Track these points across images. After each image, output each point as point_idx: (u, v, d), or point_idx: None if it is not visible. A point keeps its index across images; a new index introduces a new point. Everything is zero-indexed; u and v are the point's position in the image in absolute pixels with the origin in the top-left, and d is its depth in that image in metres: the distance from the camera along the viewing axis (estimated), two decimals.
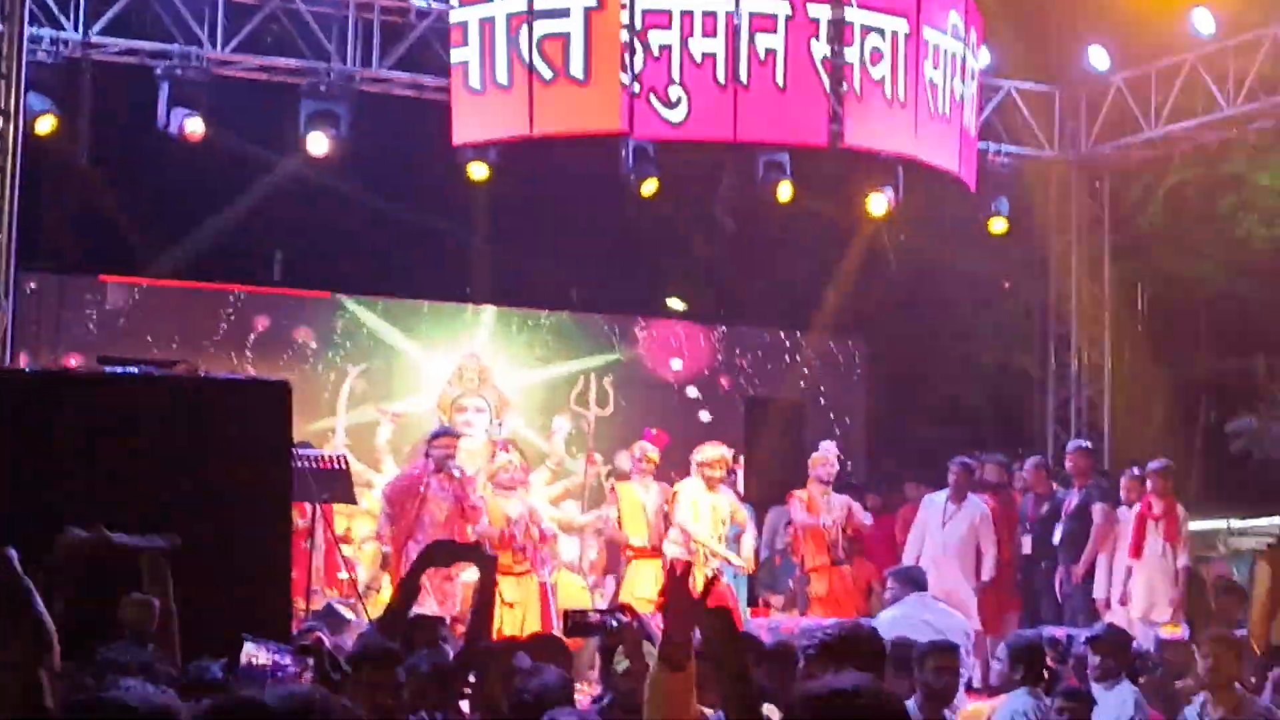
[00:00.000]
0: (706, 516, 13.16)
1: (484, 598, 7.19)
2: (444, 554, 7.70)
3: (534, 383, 16.72)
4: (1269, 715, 8.10)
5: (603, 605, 13.55)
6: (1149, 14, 15.66)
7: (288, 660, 5.20)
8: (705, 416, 17.10)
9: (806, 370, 17.85)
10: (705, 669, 4.38)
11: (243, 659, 5.17)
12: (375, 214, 16.22)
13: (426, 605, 12.23)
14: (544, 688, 5.41)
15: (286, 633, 6.95)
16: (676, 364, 17.34)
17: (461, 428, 15.23)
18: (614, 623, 5.66)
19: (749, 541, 13.57)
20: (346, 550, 14.34)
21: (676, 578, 4.47)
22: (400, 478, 13.30)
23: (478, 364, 16.09)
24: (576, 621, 5.94)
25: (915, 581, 10.92)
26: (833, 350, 18.04)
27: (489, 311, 16.77)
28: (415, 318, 16.50)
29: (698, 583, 12.38)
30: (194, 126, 13.37)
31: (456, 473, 12.83)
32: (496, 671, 5.93)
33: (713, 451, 13.45)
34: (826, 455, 13.87)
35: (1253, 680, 10.58)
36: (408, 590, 7.11)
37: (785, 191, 14.64)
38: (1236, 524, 19.11)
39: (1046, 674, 8.87)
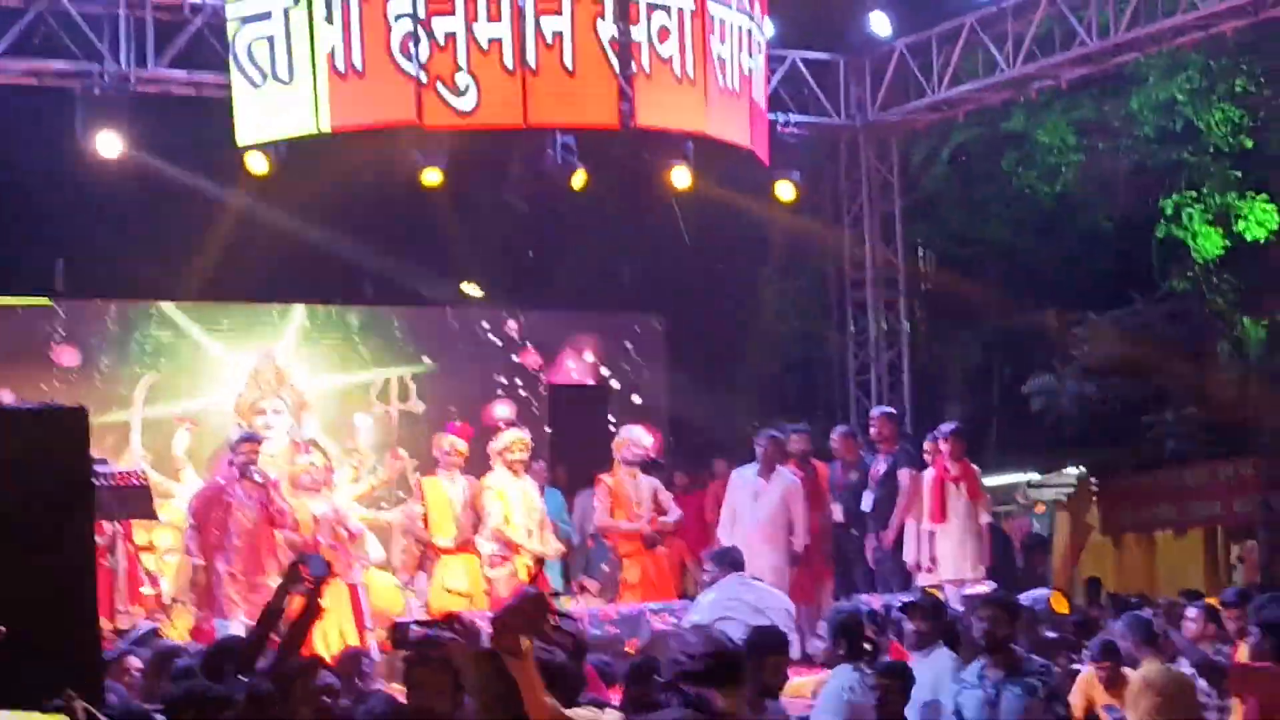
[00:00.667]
0: (518, 504, 13.04)
1: (308, 613, 6.97)
2: (301, 570, 7.39)
3: (334, 383, 16.44)
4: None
5: (416, 603, 13.39)
6: None
7: None
8: (507, 406, 16.92)
9: (607, 351, 17.79)
10: None
11: None
12: (159, 216, 15.77)
13: (236, 617, 12.03)
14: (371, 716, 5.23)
15: (97, 667, 6.70)
16: (477, 351, 17.18)
17: (261, 431, 14.91)
18: (442, 636, 5.50)
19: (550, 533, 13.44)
20: (149, 562, 13.99)
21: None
22: (204, 488, 13.04)
23: (273, 365, 15.79)
24: (402, 635, 5.78)
25: (733, 562, 10.92)
26: (633, 329, 17.99)
27: (291, 309, 16.41)
28: (211, 319, 16.11)
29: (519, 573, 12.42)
30: None
31: (259, 478, 12.59)
32: (302, 693, 5.71)
33: (509, 436, 13.35)
34: (629, 437, 13.79)
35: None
36: (269, 615, 6.86)
37: (579, 179, 14.50)
38: (1035, 477, 19.53)
39: (868, 646, 8.93)
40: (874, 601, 11.74)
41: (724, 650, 4.91)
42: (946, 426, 13.60)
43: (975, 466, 13.65)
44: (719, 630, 6.22)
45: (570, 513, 15.48)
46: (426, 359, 16.86)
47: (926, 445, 13.67)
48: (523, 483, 13.15)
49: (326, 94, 12.28)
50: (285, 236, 16.16)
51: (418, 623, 5.97)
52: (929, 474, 13.45)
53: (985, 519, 13.56)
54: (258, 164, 13.50)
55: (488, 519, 12.94)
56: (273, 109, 12.53)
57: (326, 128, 12.37)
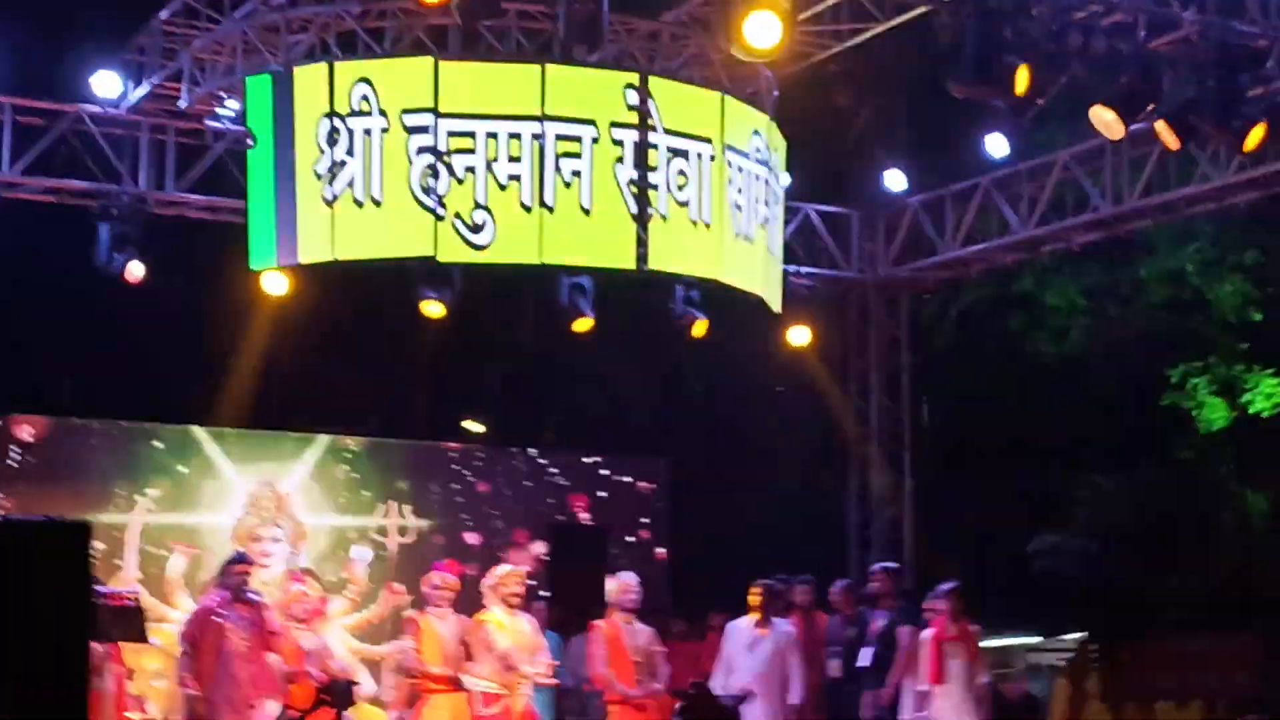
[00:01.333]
0: (514, 639, 12.85)
1: None
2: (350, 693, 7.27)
3: (334, 513, 16.35)
4: None
5: None
6: (944, 138, 15.97)
7: None
8: (510, 542, 16.82)
9: (608, 495, 17.71)
10: None
11: None
12: (163, 338, 15.80)
13: None
14: None
15: None
16: (478, 489, 17.11)
17: (258, 558, 14.82)
18: None
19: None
20: (135, 686, 13.83)
21: None
22: (195, 612, 12.79)
23: (273, 492, 15.71)
24: None
25: (721, 714, 10.76)
26: (636, 474, 17.93)
27: (313, 439, 16.34)
28: (201, 446, 16.02)
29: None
30: None
31: (253, 598, 12.40)
32: None
33: (504, 569, 13.21)
34: (627, 583, 13.66)
35: None
36: None
37: (584, 323, 14.55)
38: (1035, 640, 19.35)
39: None
40: None
41: None
42: (945, 586, 13.48)
43: (974, 627, 13.51)
44: None
45: (564, 656, 15.29)
46: (426, 493, 16.78)
47: (928, 604, 13.55)
48: (518, 620, 12.98)
49: (343, 223, 12.30)
50: (295, 363, 16.16)
51: None
52: (927, 633, 13.32)
53: (984, 679, 13.41)
54: (276, 285, 13.51)
55: (494, 646, 12.72)
56: (286, 234, 12.54)
57: (342, 256, 12.37)
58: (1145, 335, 18.07)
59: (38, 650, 6.27)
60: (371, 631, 15.28)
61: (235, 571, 12.52)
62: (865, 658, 13.73)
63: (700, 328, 14.74)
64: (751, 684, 13.34)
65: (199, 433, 16.04)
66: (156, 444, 15.80)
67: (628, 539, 17.63)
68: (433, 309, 14.04)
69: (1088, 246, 16.25)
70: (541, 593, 14.75)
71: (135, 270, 13.54)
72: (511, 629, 12.84)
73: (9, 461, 15.28)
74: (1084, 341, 18.30)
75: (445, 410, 18.08)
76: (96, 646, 11.80)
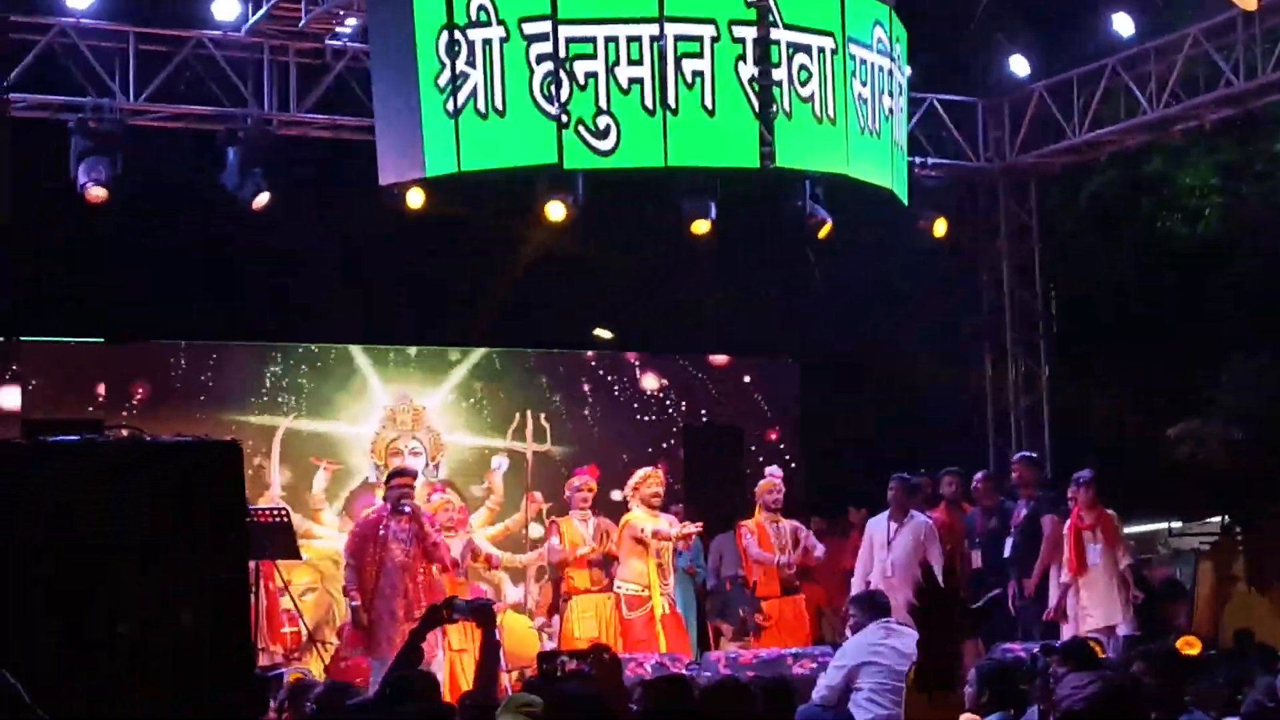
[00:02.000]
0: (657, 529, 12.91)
1: (488, 654, 6.94)
2: (443, 612, 7.38)
3: (471, 424, 16.51)
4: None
5: (550, 645, 13.34)
6: (1068, 20, 15.68)
7: None
8: (645, 448, 16.90)
9: (741, 396, 17.72)
10: None
11: None
12: (300, 258, 15.92)
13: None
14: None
15: (254, 700, 6.70)
16: (612, 394, 17.20)
17: None
18: (588, 669, 5.41)
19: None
20: (286, 601, 14.08)
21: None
22: (358, 525, 12.94)
23: (411, 405, 15.87)
24: (549, 668, 5.68)
25: (877, 606, 10.74)
26: (768, 372, 17.93)
27: (420, 351, 16.53)
28: (346, 362, 16.23)
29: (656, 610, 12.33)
30: (96, 193, 13.06)
31: (408, 508, 12.52)
32: None
33: (644, 471, 13.29)
34: (773, 481, 13.71)
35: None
36: (410, 653, 6.84)
37: (704, 225, 14.52)
38: (1176, 525, 19.14)
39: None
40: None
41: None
42: (1081, 474, 13.37)
43: (1111, 512, 13.39)
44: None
45: (706, 557, 15.37)
46: (561, 402, 16.89)
47: (1071, 491, 13.46)
48: (658, 524, 13.04)
49: (468, 135, 12.32)
50: (424, 278, 16.26)
51: (569, 654, 5.85)
52: (1065, 523, 13.25)
53: (1125, 562, 13.30)
54: (407, 200, 13.59)
55: (640, 535, 12.82)
56: (413, 149, 12.58)
57: (467, 168, 12.39)
58: None
59: (198, 570, 6.37)
60: (512, 540, 15.43)
61: (395, 485, 12.64)
62: (1008, 548, 13.68)
63: (826, 229, 14.66)
64: (890, 578, 13.35)
65: (339, 350, 16.24)
66: (293, 363, 16.01)
67: (762, 439, 17.67)
68: (556, 212, 14.05)
69: (1220, 124, 15.89)
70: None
71: (261, 199, 13.64)
72: (650, 531, 12.91)
73: (154, 387, 15.58)
74: (1219, 222, 17.94)
75: (575, 319, 18.10)
76: (250, 564, 12.08)
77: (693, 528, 13.09)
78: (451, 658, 12.25)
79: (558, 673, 5.72)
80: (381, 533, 12.36)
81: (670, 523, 13.09)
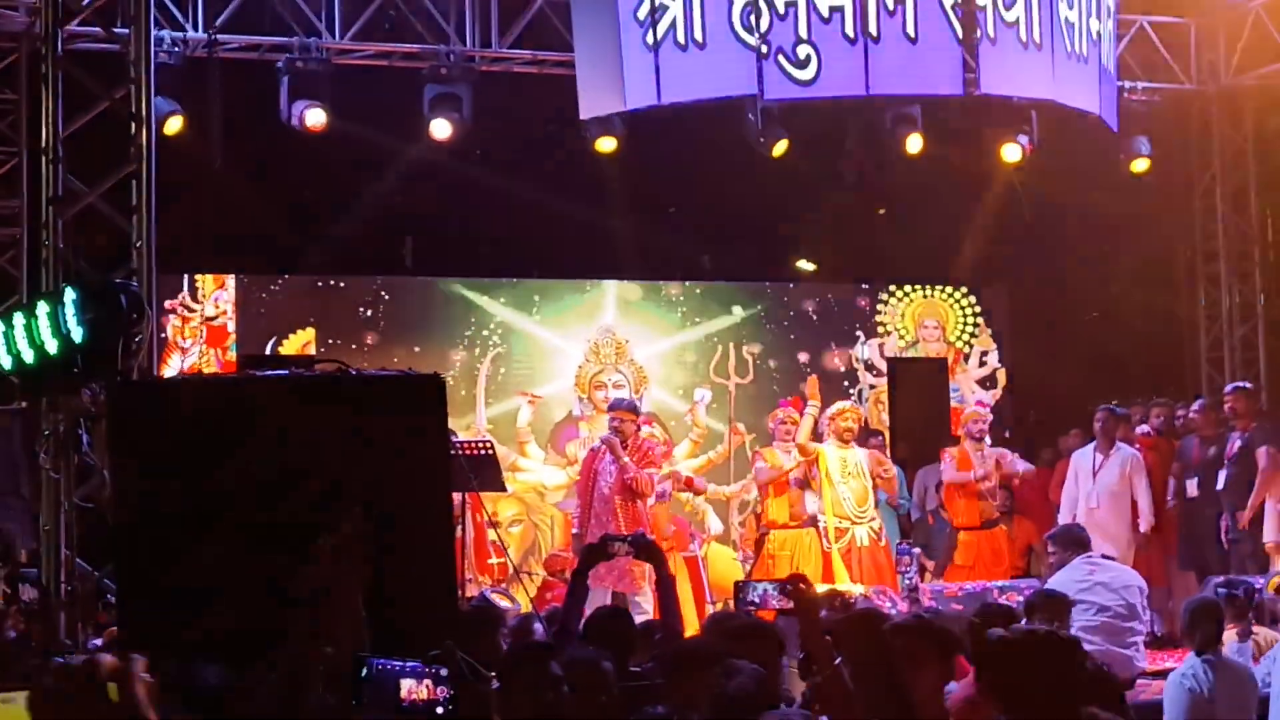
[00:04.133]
0: (837, 471, 12.82)
1: (664, 590, 7.01)
2: (602, 549, 7.49)
3: (671, 354, 16.55)
4: None
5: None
6: None
7: (444, 691, 4.94)
8: (845, 381, 16.82)
9: (947, 325, 17.53)
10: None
11: (403, 694, 4.91)
12: (501, 196, 16.05)
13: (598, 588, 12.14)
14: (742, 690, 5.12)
15: (456, 628, 6.80)
16: (815, 327, 17.12)
17: (601, 404, 15.15)
18: (787, 606, 5.38)
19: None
20: (493, 533, 14.27)
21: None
22: (584, 459, 13.18)
23: (614, 339, 15.96)
24: (744, 595, 5.67)
25: (1077, 542, 10.61)
26: (974, 303, 17.70)
27: (623, 286, 16.60)
28: (545, 299, 16.37)
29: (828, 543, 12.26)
30: (316, 118, 13.30)
31: (602, 445, 12.68)
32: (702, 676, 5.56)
33: (840, 404, 13.22)
34: (978, 410, 13.59)
35: None
36: (576, 591, 6.93)
37: (915, 144, 14.37)
38: None
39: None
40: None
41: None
42: None
43: None
44: None
45: (910, 489, 15.29)
46: (763, 333, 16.87)
47: None
48: (849, 453, 12.94)
49: (668, 67, 12.31)
50: (627, 211, 16.29)
51: (769, 583, 5.82)
52: None
53: None
54: (605, 142, 13.63)
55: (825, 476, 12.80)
56: (613, 82, 12.60)
57: (667, 99, 12.39)
58: None
59: (405, 500, 6.48)
60: (715, 472, 15.47)
61: (613, 418, 12.81)
62: (1222, 480, 13.40)
63: (1014, 153, 14.39)
64: (1097, 509, 13.18)
65: (541, 285, 16.39)
66: (499, 299, 16.19)
67: (970, 371, 17.48)
68: (779, 148, 13.95)
69: None
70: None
71: (442, 131, 13.75)
72: (834, 461, 12.82)
73: (358, 320, 15.87)
74: None
75: (777, 250, 18.02)
76: (455, 496, 12.28)
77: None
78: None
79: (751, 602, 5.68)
80: (595, 465, 12.54)
81: (865, 456, 13.00)
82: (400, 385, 7.09)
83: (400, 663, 4.77)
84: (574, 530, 12.85)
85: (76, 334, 8.58)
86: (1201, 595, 8.67)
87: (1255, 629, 9.33)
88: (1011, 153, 14.47)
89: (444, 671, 4.76)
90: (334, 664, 5.17)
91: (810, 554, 12.79)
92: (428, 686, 4.72)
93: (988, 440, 13.81)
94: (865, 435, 13.82)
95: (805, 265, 18.63)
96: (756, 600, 5.73)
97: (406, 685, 4.73)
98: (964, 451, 13.53)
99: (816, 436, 12.96)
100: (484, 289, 16.21)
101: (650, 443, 12.99)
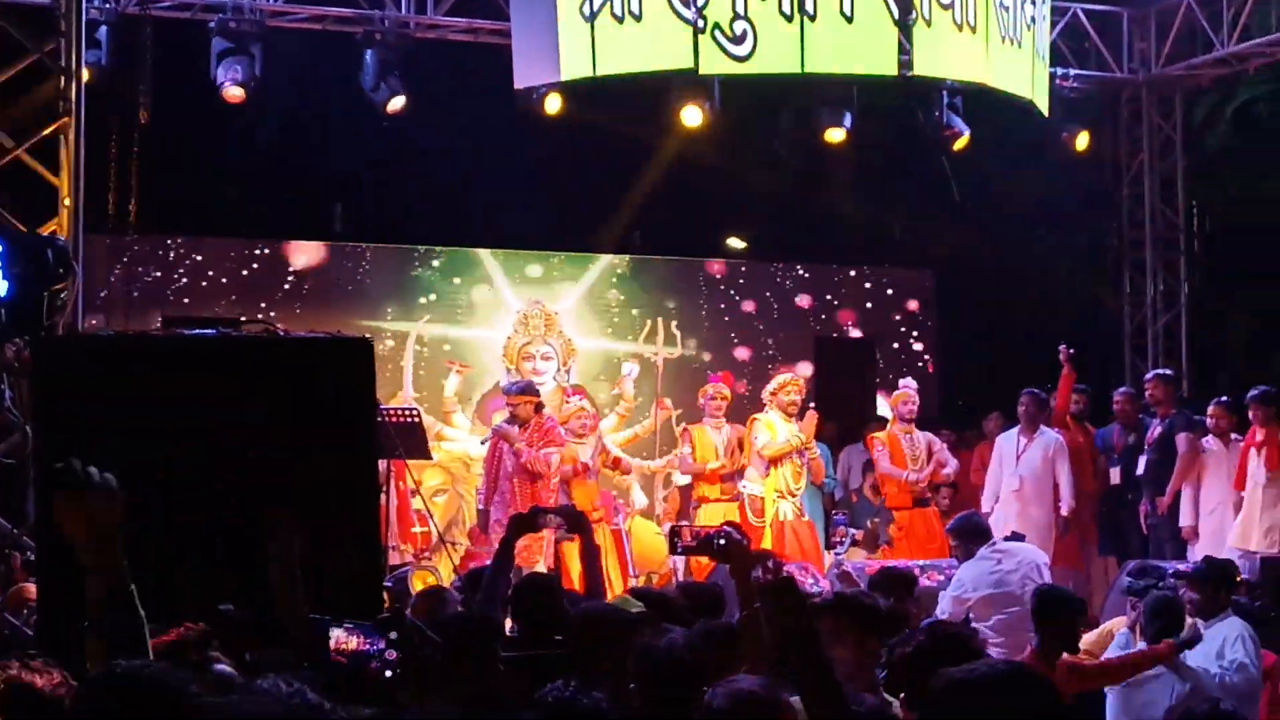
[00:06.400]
0: (798, 436, 12.85)
1: (589, 562, 7.03)
2: (530, 520, 7.49)
3: (603, 331, 16.57)
4: None
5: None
6: None
7: (378, 643, 4.94)
8: (776, 358, 16.88)
9: (874, 308, 17.61)
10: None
11: (331, 644, 4.91)
12: (434, 163, 16.00)
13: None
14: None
15: (379, 598, 6.79)
16: (744, 305, 17.16)
17: (529, 375, 15.12)
18: (721, 541, 5.37)
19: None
20: (417, 502, 14.23)
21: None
22: (491, 433, 13.22)
23: (543, 310, 15.92)
24: (680, 539, 5.67)
25: (979, 532, 10.63)
26: (902, 284, 17.79)
27: (552, 256, 16.60)
28: (474, 268, 16.34)
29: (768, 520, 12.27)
30: (235, 91, 13.17)
31: (505, 428, 12.82)
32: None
33: (783, 377, 13.24)
34: (907, 392, 13.62)
35: None
36: (501, 561, 6.93)
37: (839, 134, 14.40)
38: None
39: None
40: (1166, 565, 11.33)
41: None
42: (1254, 392, 13.04)
43: None
44: None
45: (835, 467, 15.36)
46: (692, 310, 16.89)
47: (1212, 409, 13.23)
48: (793, 427, 12.97)
49: (604, 39, 12.28)
50: (559, 184, 16.29)
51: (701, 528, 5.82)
52: (1216, 439, 13.04)
53: None
54: (551, 104, 13.56)
55: (754, 443, 12.83)
56: (549, 53, 12.56)
57: (603, 72, 12.36)
58: None
59: (327, 465, 6.44)
60: (642, 447, 15.48)
61: (511, 400, 12.92)
62: (1141, 466, 13.53)
63: (963, 142, 14.48)
64: (1019, 493, 13.28)
65: (472, 254, 16.35)
66: (430, 266, 16.15)
67: (895, 352, 17.57)
68: (692, 118, 13.95)
69: None
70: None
71: (396, 103, 13.69)
72: (784, 433, 12.85)
73: (284, 286, 15.79)
74: None
75: (708, 228, 18.06)
76: (380, 464, 12.25)
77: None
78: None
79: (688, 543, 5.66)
80: (500, 446, 12.73)
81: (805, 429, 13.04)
82: (328, 348, 7.04)
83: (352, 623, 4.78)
84: (479, 506, 12.99)
85: (1, 288, 8.48)
86: (1162, 593, 8.65)
87: None
88: (955, 139, 14.53)
89: (393, 634, 4.76)
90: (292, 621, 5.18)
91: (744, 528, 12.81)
92: (358, 639, 4.72)
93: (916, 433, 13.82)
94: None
95: (735, 243, 18.68)
96: (691, 544, 5.71)
97: (336, 635, 4.72)
98: (894, 438, 13.50)
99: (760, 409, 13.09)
100: (415, 257, 16.15)
101: (550, 422, 13.00)
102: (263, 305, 15.33)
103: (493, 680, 5.19)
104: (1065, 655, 7.51)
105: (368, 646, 4.75)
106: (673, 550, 5.52)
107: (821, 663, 4.05)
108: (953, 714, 2.95)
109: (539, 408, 12.95)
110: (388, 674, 4.67)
